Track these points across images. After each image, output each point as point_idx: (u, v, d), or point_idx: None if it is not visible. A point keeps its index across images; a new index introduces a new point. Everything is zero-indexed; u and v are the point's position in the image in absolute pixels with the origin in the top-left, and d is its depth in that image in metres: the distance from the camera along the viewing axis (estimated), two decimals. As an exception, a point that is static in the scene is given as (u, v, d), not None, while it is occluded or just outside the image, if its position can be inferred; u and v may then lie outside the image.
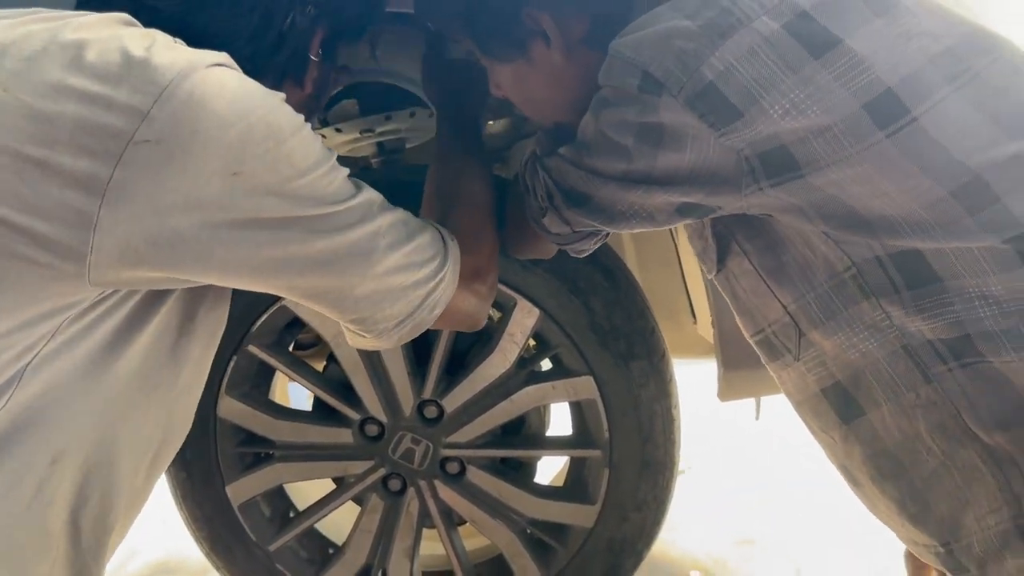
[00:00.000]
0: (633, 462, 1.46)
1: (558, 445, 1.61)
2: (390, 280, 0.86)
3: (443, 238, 0.94)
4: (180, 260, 0.75)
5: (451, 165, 1.09)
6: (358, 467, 1.52)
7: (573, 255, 1.11)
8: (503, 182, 1.31)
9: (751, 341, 1.01)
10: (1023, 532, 0.83)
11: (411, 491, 1.53)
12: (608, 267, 1.43)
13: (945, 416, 0.85)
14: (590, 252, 1.10)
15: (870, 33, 0.81)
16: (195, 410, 0.97)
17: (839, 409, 0.92)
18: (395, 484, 1.54)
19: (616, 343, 1.41)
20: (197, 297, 0.88)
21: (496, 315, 1.82)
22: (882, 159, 0.80)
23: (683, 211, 0.92)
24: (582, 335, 1.41)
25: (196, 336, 0.90)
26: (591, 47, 0.95)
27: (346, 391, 1.50)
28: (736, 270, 0.96)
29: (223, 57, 0.76)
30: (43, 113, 0.69)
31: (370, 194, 0.85)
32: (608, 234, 1.07)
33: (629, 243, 1.98)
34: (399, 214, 0.88)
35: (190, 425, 0.96)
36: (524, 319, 1.42)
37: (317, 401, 1.59)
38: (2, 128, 0.69)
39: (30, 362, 0.75)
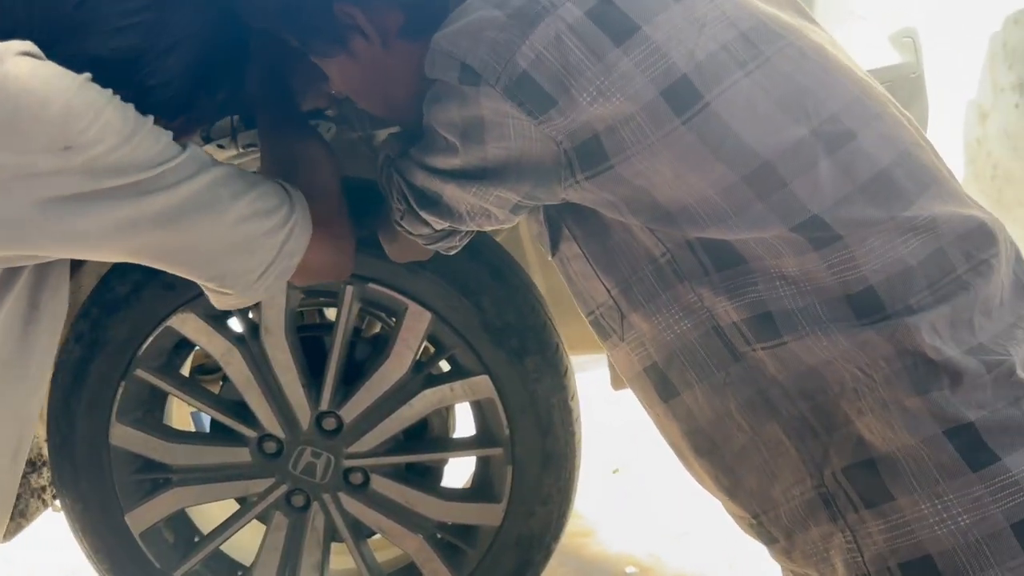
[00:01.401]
0: (535, 457, 1.48)
1: (461, 446, 1.62)
2: (242, 229, 0.89)
3: (285, 188, 0.96)
4: (27, 235, 0.78)
5: (281, 134, 1.10)
6: (259, 486, 1.50)
7: (444, 253, 1.11)
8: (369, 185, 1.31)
9: (586, 320, 1.03)
10: (825, 500, 0.87)
11: (315, 505, 1.51)
12: (496, 265, 1.44)
13: (752, 392, 0.89)
14: (459, 249, 1.11)
15: (667, 19, 0.84)
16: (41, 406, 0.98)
17: (658, 388, 0.96)
18: (299, 500, 1.52)
19: (509, 340, 1.42)
20: (39, 283, 0.89)
21: (386, 321, 1.82)
22: (680, 146, 0.83)
23: (516, 209, 0.95)
24: (475, 335, 1.42)
25: (42, 324, 0.90)
26: (410, 39, 0.95)
27: (242, 409, 1.47)
28: (568, 253, 0.98)
29: (29, 45, 0.78)
30: None
31: (200, 151, 0.87)
32: (473, 232, 1.07)
33: (529, 242, 1.99)
34: (233, 168, 0.90)
35: (36, 422, 0.96)
36: (416, 323, 1.42)
37: (215, 422, 1.56)
38: None
39: None
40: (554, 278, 1.93)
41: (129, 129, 0.80)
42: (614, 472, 2.68)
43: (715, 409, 0.92)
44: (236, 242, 0.89)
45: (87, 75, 0.80)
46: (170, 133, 0.85)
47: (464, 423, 1.89)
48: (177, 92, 0.92)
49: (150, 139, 0.82)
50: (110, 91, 0.81)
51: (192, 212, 0.85)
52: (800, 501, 0.89)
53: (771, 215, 0.83)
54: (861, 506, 0.85)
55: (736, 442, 0.92)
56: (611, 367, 1.50)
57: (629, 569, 2.20)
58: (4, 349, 0.87)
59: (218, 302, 0.97)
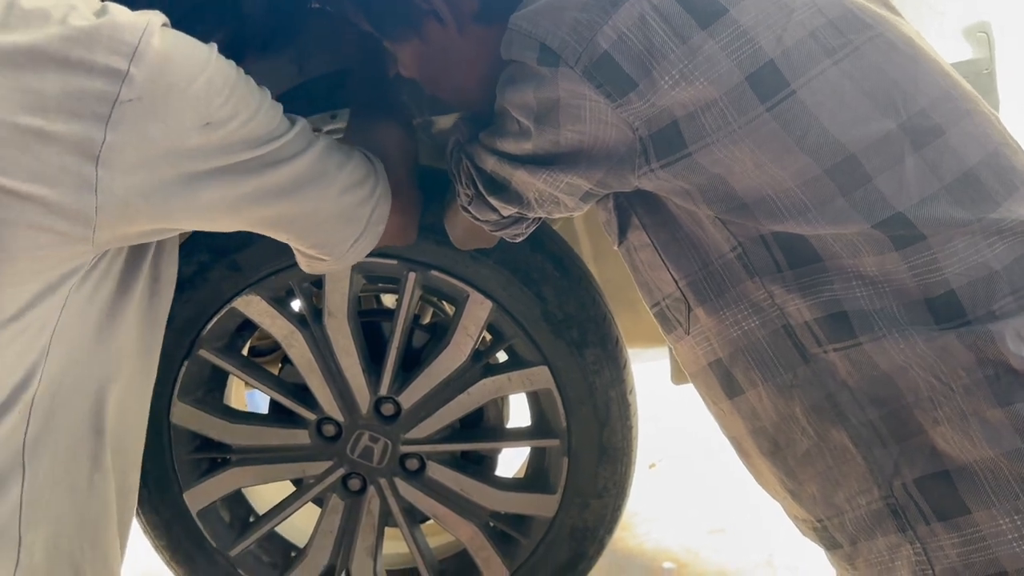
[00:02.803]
0: (591, 449, 1.47)
1: (517, 436, 1.61)
2: (345, 200, 0.95)
3: (369, 158, 1.02)
4: (172, 210, 0.80)
5: (367, 115, 1.14)
6: (316, 468, 1.51)
7: (509, 240, 1.11)
8: (436, 172, 1.32)
9: (651, 312, 1.03)
10: (894, 511, 0.85)
11: (371, 490, 1.52)
12: (558, 256, 1.43)
13: (820, 396, 0.87)
14: (525, 236, 1.10)
15: (755, 3, 0.82)
16: None
17: (723, 385, 0.95)
18: (355, 484, 1.53)
19: (569, 331, 1.42)
20: (158, 254, 0.92)
21: (450, 309, 1.82)
22: (763, 134, 0.81)
23: (587, 197, 0.94)
24: (535, 325, 1.41)
25: (163, 296, 0.95)
26: (485, 23, 0.95)
27: (302, 392, 1.48)
28: (636, 243, 0.97)
29: (163, 16, 0.80)
30: (28, 83, 0.71)
31: (303, 121, 0.91)
32: (540, 220, 1.07)
33: (584, 234, 1.98)
34: (330, 139, 0.95)
35: None
36: (477, 311, 1.42)
37: (273, 403, 1.58)
38: None
39: (52, 336, 0.78)
40: (607, 270, 1.93)
41: (256, 102, 0.83)
42: (651, 467, 2.66)
43: (779, 411, 0.90)
44: (340, 211, 0.95)
45: (214, 45, 0.81)
46: (280, 105, 0.88)
47: (517, 414, 1.89)
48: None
49: (271, 111, 0.85)
50: (233, 62, 0.83)
51: (308, 183, 0.89)
52: (867, 510, 0.87)
53: (853, 211, 0.81)
54: (933, 519, 0.83)
55: (799, 446, 0.90)
56: (673, 361, 1.49)
57: (666, 564, 2.18)
58: (143, 323, 0.90)
59: (309, 267, 1.03)
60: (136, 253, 0.87)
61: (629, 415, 1.48)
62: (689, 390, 1.81)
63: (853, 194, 0.81)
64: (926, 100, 0.84)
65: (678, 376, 1.46)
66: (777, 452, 0.93)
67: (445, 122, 1.73)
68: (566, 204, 0.95)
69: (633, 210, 0.96)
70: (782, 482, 0.95)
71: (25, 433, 0.77)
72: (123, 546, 0.95)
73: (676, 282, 0.94)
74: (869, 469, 0.86)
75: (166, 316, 0.98)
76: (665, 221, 0.93)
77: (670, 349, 1.48)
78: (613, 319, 1.49)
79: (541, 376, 1.45)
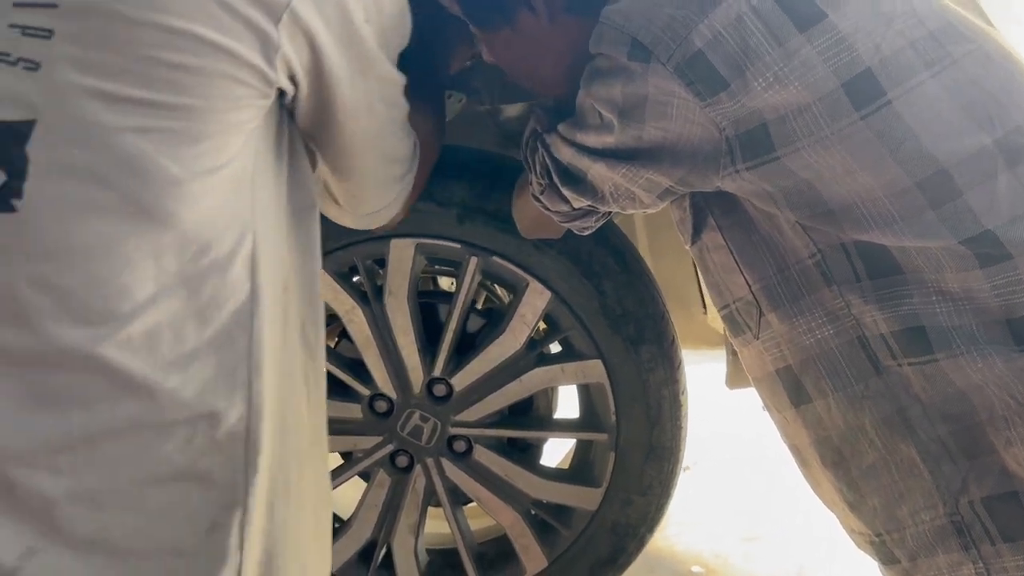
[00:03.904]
0: (640, 447, 1.47)
1: (565, 427, 1.62)
2: (391, 169, 1.00)
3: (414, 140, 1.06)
4: (353, 59, 0.83)
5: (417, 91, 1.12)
6: (367, 443, 1.54)
7: (577, 232, 1.11)
8: (457, 148, 1.36)
9: (719, 314, 1.02)
10: (958, 529, 0.84)
11: (418, 468, 1.54)
12: (621, 251, 1.44)
13: (891, 410, 0.86)
14: (593, 230, 1.11)
15: (855, 10, 0.81)
16: None
17: (789, 392, 0.94)
18: (402, 461, 1.55)
19: (627, 327, 1.42)
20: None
21: (508, 298, 1.83)
22: (855, 141, 0.80)
23: (665, 195, 0.93)
24: (593, 318, 1.42)
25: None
26: (576, 14, 0.95)
27: (357, 367, 1.51)
28: (710, 243, 0.97)
29: None
30: None
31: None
32: (611, 213, 1.07)
33: (642, 230, 1.98)
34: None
35: None
36: (535, 300, 1.43)
37: (329, 376, 1.60)
38: None
39: (252, 192, 0.78)
40: (663, 268, 1.92)
41: (394, 31, 0.91)
42: (685, 469, 2.66)
43: (848, 422, 0.89)
44: (384, 173, 0.99)
45: None
46: None
47: (564, 405, 1.90)
48: None
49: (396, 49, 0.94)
50: None
51: (389, 125, 0.95)
52: (930, 526, 0.86)
53: (941, 225, 0.80)
54: (999, 539, 0.82)
55: (865, 458, 0.89)
56: (730, 365, 1.48)
57: (695, 568, 2.18)
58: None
59: (333, 213, 1.04)
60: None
61: (680, 415, 1.48)
62: (727, 395, 1.81)
63: (942, 208, 0.80)
64: (1022, 116, 0.82)
65: (734, 380, 1.46)
66: (840, 463, 0.92)
67: (513, 111, 1.74)
68: (642, 200, 0.95)
69: (710, 210, 0.95)
70: (842, 493, 0.94)
71: (249, 292, 0.76)
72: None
73: (749, 286, 0.94)
74: (935, 485, 0.85)
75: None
76: (742, 223, 0.92)
77: (727, 352, 1.48)
78: (670, 318, 1.49)
79: (595, 370, 1.45)
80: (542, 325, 1.53)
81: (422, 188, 1.14)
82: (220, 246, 0.74)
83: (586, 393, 1.55)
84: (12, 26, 0.67)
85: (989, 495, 0.82)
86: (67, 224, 0.67)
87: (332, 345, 1.65)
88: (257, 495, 0.75)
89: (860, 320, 0.86)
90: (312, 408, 0.88)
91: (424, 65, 1.23)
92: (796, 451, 1.00)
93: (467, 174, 1.40)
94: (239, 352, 0.75)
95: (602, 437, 1.50)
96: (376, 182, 1.00)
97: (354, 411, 1.52)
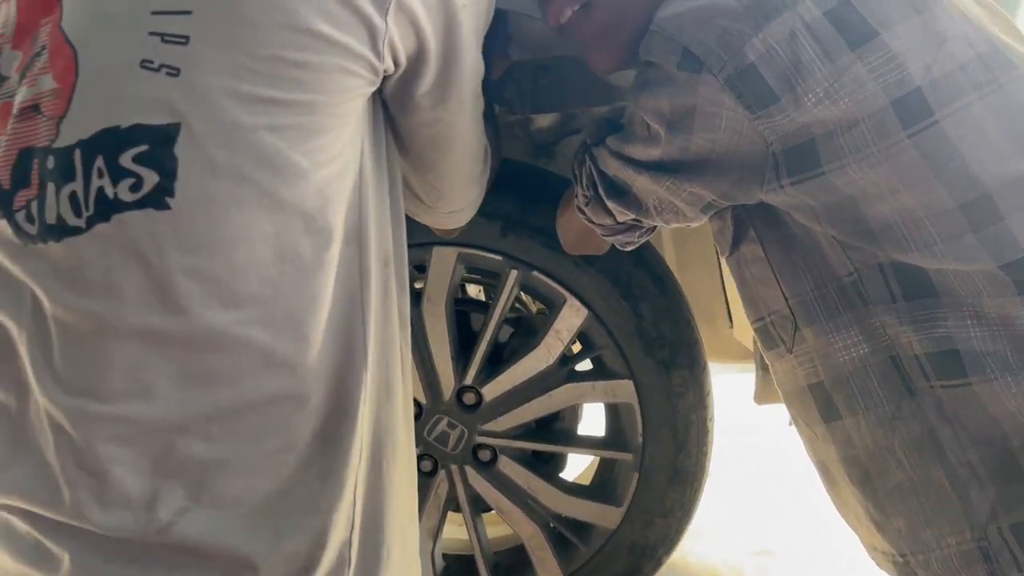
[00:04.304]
0: (664, 469, 1.48)
1: (589, 444, 1.62)
2: (476, 166, 1.04)
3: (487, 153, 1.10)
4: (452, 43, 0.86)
5: None
6: (392, 445, 1.55)
7: (619, 247, 1.12)
8: (506, 162, 1.37)
9: (752, 327, 1.02)
10: (986, 555, 0.83)
11: (441, 473, 1.56)
12: (660, 275, 1.45)
13: (921, 431, 0.86)
14: (636, 245, 1.12)
15: (908, 29, 0.81)
16: None
17: (820, 408, 0.94)
18: (426, 465, 1.56)
19: (660, 351, 1.43)
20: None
21: (535, 307, 1.84)
22: (901, 160, 0.80)
23: (707, 208, 0.94)
24: (627, 339, 1.43)
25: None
26: None
27: (389, 369, 1.52)
28: (749, 255, 0.97)
29: None
30: None
31: None
32: (654, 229, 1.08)
33: (669, 243, 1.99)
34: None
35: None
36: (572, 317, 1.44)
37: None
38: None
39: (360, 179, 0.84)
40: (689, 281, 1.92)
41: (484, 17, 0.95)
42: (703, 479, 2.67)
43: (877, 441, 0.89)
44: (470, 171, 1.03)
45: None
46: None
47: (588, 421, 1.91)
48: None
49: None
50: None
51: (474, 125, 1.00)
52: (956, 551, 0.85)
53: (981, 249, 0.80)
54: None
55: (892, 479, 0.89)
56: (759, 381, 1.48)
57: (708, 580, 2.18)
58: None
59: (408, 208, 1.05)
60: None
61: (706, 441, 1.49)
62: (750, 408, 1.81)
63: (983, 232, 0.80)
64: None
65: (762, 396, 1.45)
66: (867, 482, 0.92)
67: (544, 121, 1.75)
68: (685, 214, 0.96)
69: (751, 222, 0.96)
70: (867, 512, 0.94)
71: (359, 268, 0.83)
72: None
73: (786, 299, 0.94)
74: (963, 509, 0.84)
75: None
76: (783, 238, 0.92)
77: (757, 367, 1.47)
78: (703, 344, 1.50)
79: (625, 390, 1.46)
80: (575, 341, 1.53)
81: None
82: (339, 229, 0.80)
83: (614, 412, 1.56)
84: (152, 34, 0.71)
85: (1018, 522, 0.82)
86: (213, 218, 0.72)
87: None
88: (370, 454, 0.84)
89: (895, 340, 0.86)
90: (404, 375, 0.94)
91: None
92: (823, 467, 1.00)
93: (513, 187, 1.42)
94: (356, 325, 0.82)
95: (627, 457, 1.50)
96: (462, 177, 1.03)
97: (383, 413, 1.53)
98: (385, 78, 0.83)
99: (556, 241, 1.36)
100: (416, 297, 1.47)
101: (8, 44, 0.77)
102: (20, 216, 0.74)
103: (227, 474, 0.76)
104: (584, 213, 1.08)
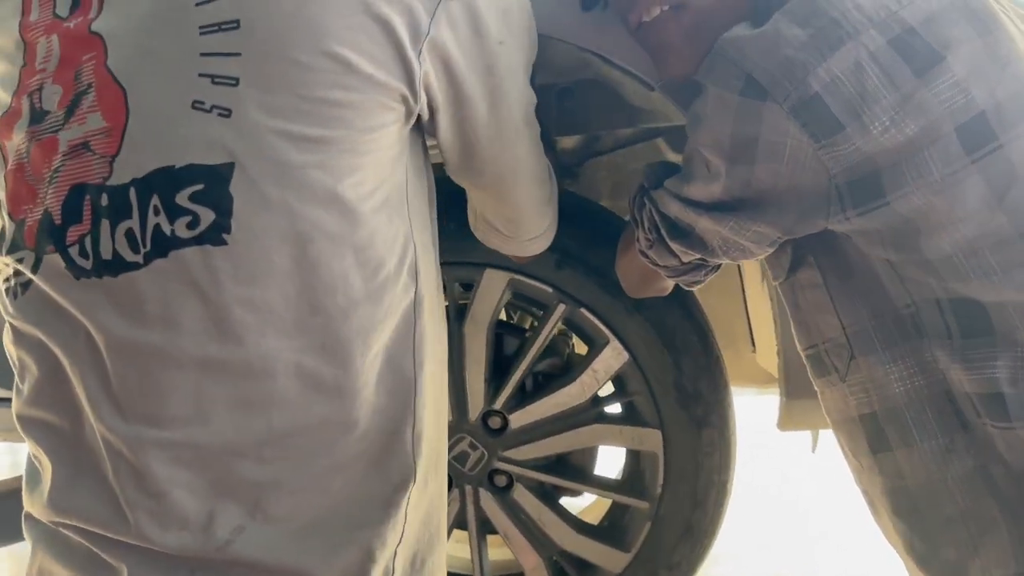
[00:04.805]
0: (678, 524, 1.48)
1: (606, 486, 1.62)
2: (543, 189, 1.06)
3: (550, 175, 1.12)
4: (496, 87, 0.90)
5: None
6: (411, 456, 1.54)
7: (685, 287, 1.13)
8: (570, 195, 1.42)
9: (802, 353, 1.02)
10: None
11: (455, 492, 1.55)
12: (705, 332, 1.44)
13: (974, 466, 0.86)
14: (703, 283, 1.11)
15: (971, 53, 0.81)
16: None
17: (871, 439, 0.94)
18: (441, 481, 1.56)
19: (695, 407, 1.42)
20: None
21: (569, 342, 1.84)
22: (964, 186, 0.80)
23: (774, 244, 0.94)
24: (664, 390, 1.43)
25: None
26: None
27: (420, 381, 1.52)
28: (804, 281, 0.97)
29: None
30: None
31: None
32: (719, 267, 1.08)
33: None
34: None
35: None
36: (611, 359, 1.44)
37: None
38: None
39: (408, 207, 0.87)
40: (710, 302, 1.91)
41: (527, 51, 1.00)
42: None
43: (930, 474, 0.89)
44: (539, 196, 1.06)
45: None
46: None
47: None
48: None
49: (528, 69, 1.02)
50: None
51: (533, 148, 1.03)
52: None
53: None
54: None
55: (943, 511, 0.89)
56: (783, 408, 1.45)
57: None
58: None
59: (485, 237, 1.13)
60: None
61: (724, 503, 1.48)
62: (766, 435, 1.79)
63: None
64: None
65: (786, 422, 1.44)
66: (915, 513, 0.92)
67: (569, 143, 1.76)
68: (752, 251, 0.95)
69: (810, 248, 0.95)
70: (911, 544, 0.93)
71: (414, 295, 0.86)
72: None
73: (843, 328, 0.93)
74: (1012, 543, 0.85)
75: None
76: (842, 266, 0.92)
77: (781, 394, 1.45)
78: (734, 407, 1.49)
79: (653, 439, 1.46)
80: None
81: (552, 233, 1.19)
82: (391, 260, 0.83)
83: (635, 458, 1.56)
84: (202, 75, 0.73)
85: None
86: (268, 251, 0.75)
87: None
88: (419, 473, 0.86)
89: (947, 375, 0.86)
90: (443, 393, 0.98)
91: None
92: (868, 497, 1.00)
93: (574, 223, 1.41)
94: (407, 351, 0.85)
95: (643, 505, 1.50)
96: (533, 203, 1.05)
97: (407, 423, 1.53)
98: (436, 121, 0.87)
99: (609, 281, 1.36)
100: (459, 314, 1.47)
101: (50, 79, 0.78)
102: (73, 251, 0.77)
103: (280, 493, 0.79)
104: (647, 256, 1.08)
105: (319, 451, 0.80)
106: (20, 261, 0.80)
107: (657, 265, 1.08)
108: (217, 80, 0.73)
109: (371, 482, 0.83)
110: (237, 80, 0.73)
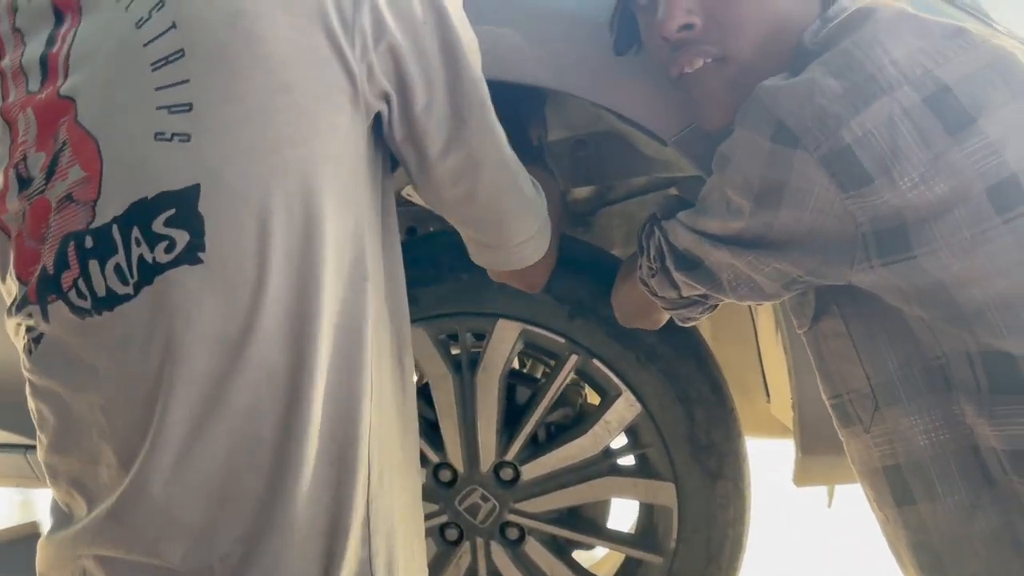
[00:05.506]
0: (692, 579, 1.45)
1: (619, 540, 1.59)
2: (521, 194, 1.03)
3: (532, 180, 1.09)
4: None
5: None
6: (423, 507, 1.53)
7: (679, 322, 1.12)
8: (584, 246, 1.43)
9: (827, 403, 1.01)
10: None
11: (466, 545, 1.54)
12: (718, 383, 1.43)
13: (1000, 524, 0.84)
14: (696, 321, 1.11)
15: (1005, 116, 0.81)
16: None
17: (894, 491, 0.93)
18: (452, 534, 1.54)
19: (709, 459, 1.41)
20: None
21: (583, 392, 1.83)
22: (995, 245, 0.80)
23: (791, 285, 0.93)
24: (677, 443, 1.41)
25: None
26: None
27: (432, 432, 1.51)
28: (828, 331, 0.96)
29: None
30: None
31: None
32: (716, 306, 1.08)
33: (705, 320, 1.97)
34: None
35: None
36: (624, 411, 1.43)
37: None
38: None
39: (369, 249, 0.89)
40: (724, 352, 1.91)
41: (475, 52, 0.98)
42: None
43: (954, 529, 0.87)
44: (517, 201, 1.04)
45: None
46: None
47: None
48: None
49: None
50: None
51: (501, 151, 1.00)
52: None
53: None
54: None
55: (967, 568, 0.87)
56: (798, 463, 1.43)
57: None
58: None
59: (479, 257, 1.11)
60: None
61: (738, 557, 1.46)
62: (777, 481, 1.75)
63: None
64: None
65: (801, 478, 1.42)
66: (938, 568, 0.90)
67: (582, 193, 1.77)
68: (763, 289, 0.95)
69: (834, 297, 0.95)
70: None
71: (366, 307, 0.87)
72: None
73: (868, 379, 0.92)
74: None
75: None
76: (867, 314, 0.92)
77: (796, 449, 1.43)
78: (749, 459, 1.48)
79: (666, 493, 1.44)
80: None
81: (552, 264, 1.21)
82: (344, 272, 0.85)
83: (648, 512, 1.54)
84: (160, 108, 0.78)
85: None
86: (242, 266, 0.78)
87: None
88: (374, 480, 0.88)
89: (974, 429, 0.85)
90: (409, 403, 1.02)
91: (516, 131, 1.30)
92: (894, 549, 0.98)
93: (588, 273, 1.42)
94: (363, 364, 0.86)
95: (656, 560, 1.48)
96: (508, 199, 1.03)
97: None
98: (390, 118, 0.89)
99: (622, 331, 1.36)
100: (472, 365, 1.47)
101: (32, 148, 0.84)
102: (72, 294, 0.81)
103: (276, 504, 0.81)
104: (648, 285, 1.09)
105: (292, 459, 0.83)
106: (30, 316, 0.84)
107: (655, 295, 1.08)
108: (173, 109, 0.77)
109: (333, 489, 0.85)
110: (190, 105, 0.77)
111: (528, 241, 1.08)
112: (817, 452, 1.36)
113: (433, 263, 1.44)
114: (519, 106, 1.32)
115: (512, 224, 1.05)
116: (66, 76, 0.82)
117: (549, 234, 1.11)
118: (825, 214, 0.84)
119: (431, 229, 1.78)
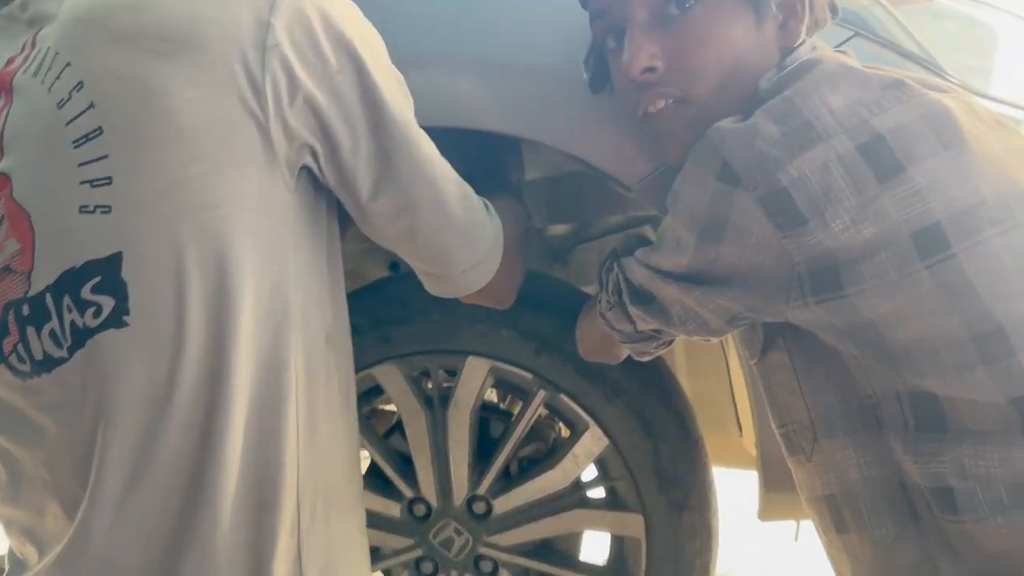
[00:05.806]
0: (661, 610, 1.48)
1: (591, 572, 1.62)
2: (462, 214, 1.02)
3: (486, 204, 1.10)
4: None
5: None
6: (397, 542, 1.56)
7: (636, 357, 1.17)
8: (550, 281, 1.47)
9: (775, 431, 1.05)
10: None
11: (440, 578, 1.56)
12: (683, 417, 1.47)
13: (920, 559, 0.88)
14: (652, 356, 1.16)
15: (934, 166, 0.86)
16: None
17: (834, 519, 0.97)
18: (427, 567, 1.57)
19: (674, 491, 1.44)
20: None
21: (561, 430, 1.86)
22: (918, 289, 0.84)
23: (733, 321, 0.98)
24: (644, 475, 1.45)
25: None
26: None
27: (406, 467, 1.54)
28: (775, 363, 1.01)
29: None
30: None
31: None
32: (671, 342, 1.12)
33: (680, 349, 2.03)
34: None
35: None
36: (591, 445, 1.46)
37: (374, 470, 1.63)
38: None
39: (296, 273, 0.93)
40: (698, 386, 1.95)
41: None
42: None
43: (879, 560, 0.92)
44: (460, 224, 1.02)
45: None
46: None
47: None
48: None
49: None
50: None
51: (435, 168, 1.00)
52: None
53: (990, 381, 0.83)
54: None
55: None
56: (762, 499, 1.46)
57: None
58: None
59: (432, 286, 1.10)
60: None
61: (706, 587, 1.49)
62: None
63: (995, 365, 0.82)
64: None
65: (765, 512, 1.44)
66: None
67: (559, 229, 1.81)
68: (709, 325, 0.99)
69: (780, 331, 0.99)
70: None
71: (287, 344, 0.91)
72: None
73: (808, 411, 0.97)
74: None
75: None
76: (808, 350, 0.96)
77: (760, 485, 1.46)
78: (715, 489, 1.51)
79: (635, 524, 1.47)
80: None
81: (519, 278, 1.21)
82: (253, 318, 0.88)
83: (619, 544, 1.57)
84: (83, 183, 0.83)
85: None
86: (163, 327, 0.84)
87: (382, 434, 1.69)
88: (304, 515, 0.93)
89: (902, 466, 0.89)
90: (351, 433, 1.07)
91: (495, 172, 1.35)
92: (839, 574, 1.02)
93: (554, 310, 1.46)
94: (284, 399, 0.90)
95: (626, 591, 1.50)
96: (451, 233, 1.02)
97: (392, 509, 1.55)
98: (318, 162, 0.92)
99: (588, 367, 1.40)
100: (443, 400, 1.50)
101: None
102: (13, 359, 0.87)
103: (190, 547, 0.86)
104: (605, 318, 1.13)
105: (217, 496, 0.88)
106: None
107: (613, 328, 1.13)
108: (95, 183, 0.83)
109: (254, 527, 0.89)
110: (110, 179, 0.82)
111: (472, 268, 1.08)
112: (781, 489, 1.39)
113: (404, 303, 1.47)
114: (497, 150, 1.37)
115: (454, 254, 1.05)
116: (1, 155, 0.87)
117: (499, 257, 1.10)
118: (763, 252, 0.89)
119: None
